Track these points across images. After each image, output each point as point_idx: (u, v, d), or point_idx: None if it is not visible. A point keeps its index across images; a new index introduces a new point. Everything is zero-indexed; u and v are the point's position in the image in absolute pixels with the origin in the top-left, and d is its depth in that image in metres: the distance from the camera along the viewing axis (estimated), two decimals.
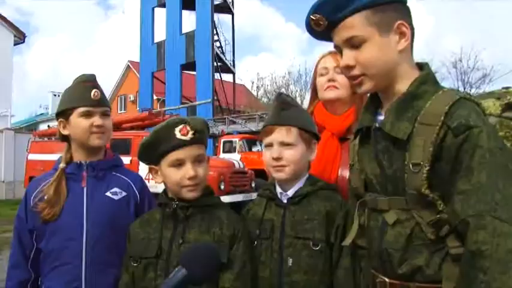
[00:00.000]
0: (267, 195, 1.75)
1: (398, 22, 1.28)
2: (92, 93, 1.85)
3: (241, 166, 11.33)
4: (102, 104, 1.89)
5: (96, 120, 1.86)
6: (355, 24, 1.27)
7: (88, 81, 1.90)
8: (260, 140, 1.78)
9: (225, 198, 9.30)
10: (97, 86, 1.89)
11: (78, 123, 1.86)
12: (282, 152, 1.66)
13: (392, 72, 1.31)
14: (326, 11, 1.28)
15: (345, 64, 1.30)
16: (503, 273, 1.06)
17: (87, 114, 1.86)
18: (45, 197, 1.81)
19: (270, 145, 1.69)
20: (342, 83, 1.93)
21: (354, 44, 1.28)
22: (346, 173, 1.83)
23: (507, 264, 1.06)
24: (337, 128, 1.96)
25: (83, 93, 1.86)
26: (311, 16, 1.31)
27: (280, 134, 1.66)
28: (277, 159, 1.66)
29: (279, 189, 1.73)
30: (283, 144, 1.66)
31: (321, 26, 1.32)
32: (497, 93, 1.41)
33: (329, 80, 1.96)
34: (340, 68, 1.35)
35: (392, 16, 1.28)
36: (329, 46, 1.42)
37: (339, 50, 1.35)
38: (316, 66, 2.07)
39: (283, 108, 1.69)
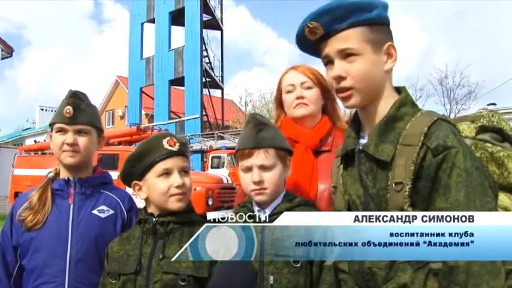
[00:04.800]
0: (244, 213, 1.70)
1: (388, 43, 1.34)
2: (65, 110, 1.83)
3: (230, 182, 11.30)
4: (76, 121, 1.84)
5: (68, 137, 1.83)
6: (352, 37, 1.31)
7: (66, 98, 1.88)
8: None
9: (213, 214, 9.24)
10: (72, 103, 1.85)
11: (54, 139, 1.87)
12: (262, 175, 1.66)
13: (377, 90, 1.36)
14: (324, 21, 1.31)
15: (337, 75, 1.33)
16: (478, 285, 1.12)
17: (61, 131, 1.85)
18: (29, 205, 1.81)
19: (249, 169, 1.68)
20: (311, 98, 1.94)
21: (347, 56, 1.32)
22: (323, 187, 1.86)
23: (481, 277, 1.12)
24: (311, 141, 1.95)
25: (61, 109, 1.86)
26: (308, 23, 1.33)
27: (259, 158, 1.66)
28: (258, 182, 1.65)
29: (256, 207, 1.72)
30: (263, 167, 1.66)
31: (316, 35, 1.34)
32: (471, 116, 1.46)
33: (297, 98, 1.95)
34: (332, 78, 1.36)
35: (383, 37, 1.34)
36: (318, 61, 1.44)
37: (327, 61, 1.37)
38: (280, 82, 2.04)
39: (260, 130, 1.68)
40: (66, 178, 1.88)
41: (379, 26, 1.33)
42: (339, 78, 1.33)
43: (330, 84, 1.40)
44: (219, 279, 1.46)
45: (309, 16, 1.33)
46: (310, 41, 1.37)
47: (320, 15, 1.31)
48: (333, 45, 1.33)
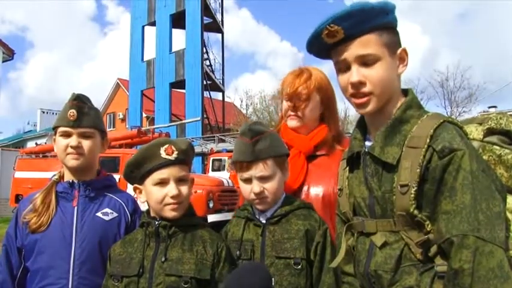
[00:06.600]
0: (245, 216, 1.74)
1: (402, 48, 1.34)
2: (68, 114, 1.84)
3: (230, 184, 11.27)
4: (80, 124, 1.85)
5: (72, 141, 1.84)
6: (371, 42, 1.29)
7: (70, 101, 1.89)
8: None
9: (214, 217, 9.23)
10: (76, 106, 1.86)
11: (58, 142, 1.88)
12: (262, 186, 1.66)
13: (391, 94, 1.35)
14: (346, 24, 1.27)
15: (358, 80, 1.31)
16: None
17: (65, 135, 1.86)
18: (33, 207, 1.81)
19: (248, 180, 1.68)
20: (305, 111, 1.94)
21: (367, 61, 1.30)
22: (315, 190, 1.87)
23: (488, 282, 1.10)
24: (305, 147, 1.96)
25: (65, 112, 1.86)
26: (328, 26, 1.29)
27: (258, 170, 1.65)
28: (259, 193, 1.66)
29: (256, 210, 1.73)
30: (262, 178, 1.66)
31: (335, 38, 1.31)
32: (479, 118, 1.45)
33: (292, 109, 1.95)
34: (348, 83, 1.34)
35: (396, 40, 1.34)
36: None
37: (342, 65, 1.35)
38: (283, 88, 2.03)
39: (256, 141, 1.66)
40: (71, 181, 1.89)
41: (392, 30, 1.33)
42: (359, 84, 1.31)
43: (344, 89, 1.37)
44: (233, 281, 1.44)
45: (330, 18, 1.28)
46: (325, 44, 1.34)
47: (342, 18, 1.27)
48: (352, 50, 1.31)
